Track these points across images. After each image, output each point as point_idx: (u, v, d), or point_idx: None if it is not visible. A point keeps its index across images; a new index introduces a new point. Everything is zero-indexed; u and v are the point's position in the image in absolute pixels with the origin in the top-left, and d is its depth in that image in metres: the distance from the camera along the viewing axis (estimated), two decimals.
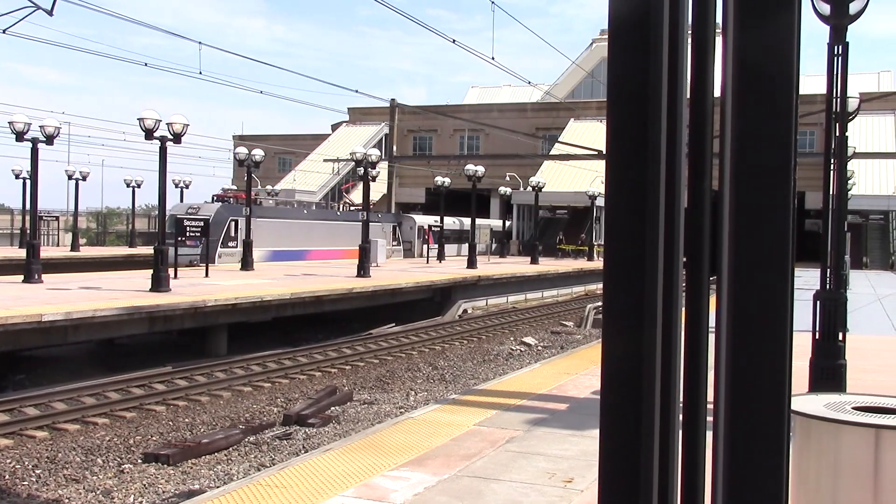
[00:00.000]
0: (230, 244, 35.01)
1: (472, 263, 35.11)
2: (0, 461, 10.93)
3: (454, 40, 24.15)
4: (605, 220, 1.63)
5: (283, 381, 17.07)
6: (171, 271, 21.37)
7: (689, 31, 1.59)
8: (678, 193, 1.58)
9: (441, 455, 7.60)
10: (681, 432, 1.60)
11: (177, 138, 21.18)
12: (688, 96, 1.60)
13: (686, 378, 1.59)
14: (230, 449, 11.99)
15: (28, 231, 31.87)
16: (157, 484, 10.33)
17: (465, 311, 30.17)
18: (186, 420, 13.57)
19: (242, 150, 31.70)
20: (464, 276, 31.15)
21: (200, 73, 21.74)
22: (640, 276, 1.57)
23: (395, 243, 47.28)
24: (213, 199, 38.72)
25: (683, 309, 1.61)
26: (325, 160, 59.57)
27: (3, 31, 15.11)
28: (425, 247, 46.24)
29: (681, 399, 1.60)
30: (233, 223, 34.88)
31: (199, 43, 21.95)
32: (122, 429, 12.84)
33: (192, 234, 26.80)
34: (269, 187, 47.75)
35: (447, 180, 42.48)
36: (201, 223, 27.11)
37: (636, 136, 1.58)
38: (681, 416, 1.61)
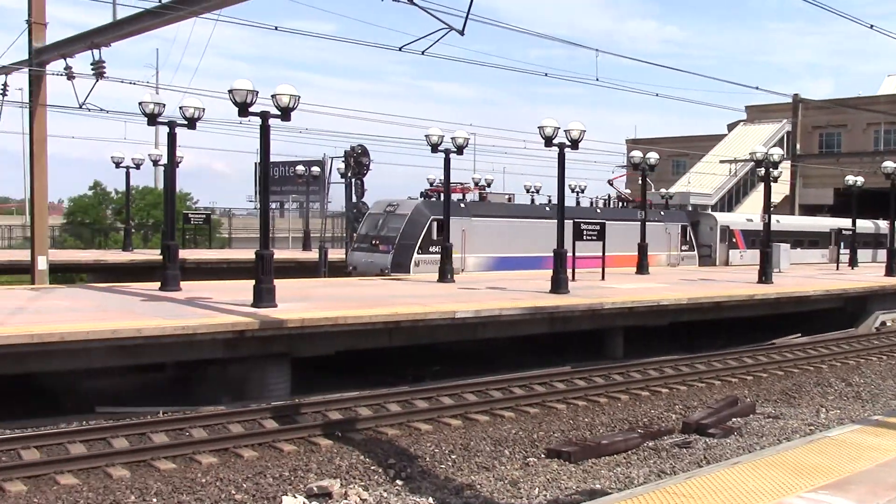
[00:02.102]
0: (431, 249, 28.46)
1: (890, 270, 32.13)
2: (422, 444, 12.02)
3: (872, 25, 21.81)
4: None
5: (680, 387, 16.73)
6: (569, 273, 21.99)
7: None
8: None
9: (867, 482, 6.85)
10: None
11: (574, 144, 21.76)
12: None
13: None
14: (628, 452, 12.02)
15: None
16: (559, 479, 10.66)
17: (883, 323, 27.25)
18: (586, 420, 13.84)
19: (637, 154, 31.71)
20: (881, 284, 28.26)
21: (597, 79, 22.03)
22: None
23: (685, 248, 38.58)
24: (421, 195, 31.72)
25: None
26: (720, 161, 57.47)
27: (422, 53, 16.70)
28: (734, 252, 39.38)
29: None
30: (435, 224, 28.41)
31: (596, 50, 22.19)
32: (526, 423, 13.45)
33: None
34: (662, 190, 47.20)
35: (860, 179, 38.74)
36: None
37: None
38: None
